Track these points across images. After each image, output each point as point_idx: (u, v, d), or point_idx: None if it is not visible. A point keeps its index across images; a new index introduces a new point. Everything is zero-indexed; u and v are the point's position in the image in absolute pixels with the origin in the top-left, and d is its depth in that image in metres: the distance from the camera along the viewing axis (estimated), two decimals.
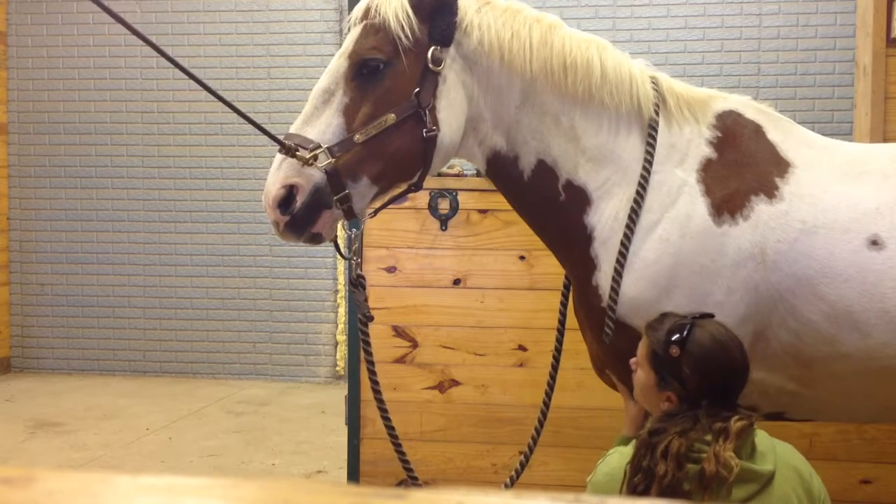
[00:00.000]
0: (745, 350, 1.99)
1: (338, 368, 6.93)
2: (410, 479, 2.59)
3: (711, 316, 2.04)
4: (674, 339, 1.94)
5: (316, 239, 2.22)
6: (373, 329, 3.48)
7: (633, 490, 1.83)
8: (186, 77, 2.16)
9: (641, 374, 2.04)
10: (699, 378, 1.91)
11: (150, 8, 7.04)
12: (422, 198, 3.49)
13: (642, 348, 2.05)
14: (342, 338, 6.80)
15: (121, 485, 0.60)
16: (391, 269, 3.56)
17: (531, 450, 2.74)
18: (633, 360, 2.10)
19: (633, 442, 1.98)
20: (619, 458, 1.98)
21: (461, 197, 3.50)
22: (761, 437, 1.91)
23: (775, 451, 1.90)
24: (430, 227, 3.53)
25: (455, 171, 3.56)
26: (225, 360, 7.04)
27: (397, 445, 2.55)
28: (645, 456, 1.86)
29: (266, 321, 7.01)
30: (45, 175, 7.22)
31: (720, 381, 1.93)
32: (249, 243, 6.96)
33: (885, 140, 3.93)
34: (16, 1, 7.21)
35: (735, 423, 1.84)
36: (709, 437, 1.84)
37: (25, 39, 7.21)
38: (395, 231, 3.53)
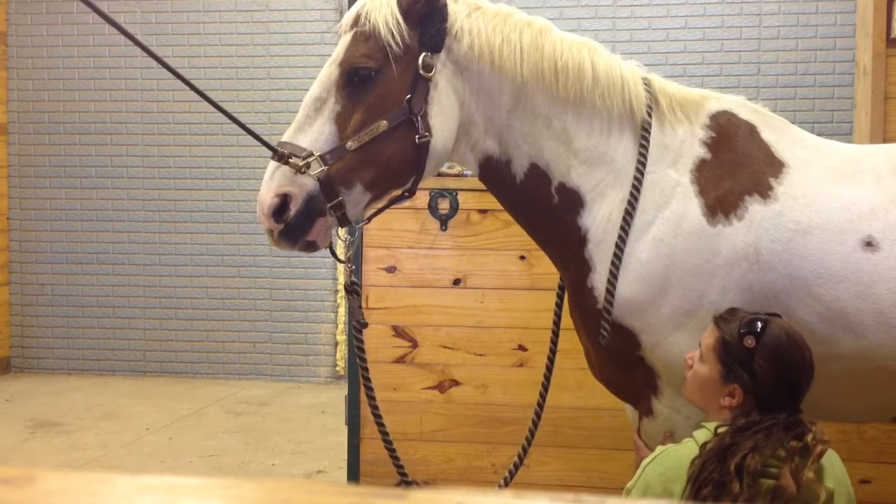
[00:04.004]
0: (810, 350, 1.98)
1: (338, 368, 6.93)
2: (405, 484, 2.58)
3: (779, 316, 2.03)
4: (749, 330, 1.94)
5: (310, 247, 2.23)
6: (373, 329, 3.49)
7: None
8: (188, 77, 2.16)
9: (703, 368, 2.00)
10: (772, 371, 1.90)
11: (150, 8, 7.05)
12: (422, 198, 3.49)
13: (708, 339, 2.01)
14: (342, 338, 6.81)
15: (121, 485, 0.60)
16: (391, 269, 3.56)
17: (525, 450, 2.74)
18: (689, 354, 2.07)
19: (686, 443, 1.94)
20: (675, 456, 1.93)
21: (461, 197, 3.50)
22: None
23: (832, 464, 1.88)
24: (430, 227, 3.53)
25: (455, 171, 3.56)
26: (225, 360, 7.04)
27: (391, 451, 2.55)
28: (715, 469, 1.82)
29: (266, 321, 7.01)
30: (45, 175, 7.23)
31: (792, 378, 1.91)
32: (249, 243, 6.96)
33: (885, 140, 3.93)
34: (16, 1, 7.21)
35: (816, 445, 1.82)
36: (782, 453, 1.81)
37: (25, 39, 7.21)
38: (395, 231, 3.53)
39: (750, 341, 1.92)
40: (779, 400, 1.91)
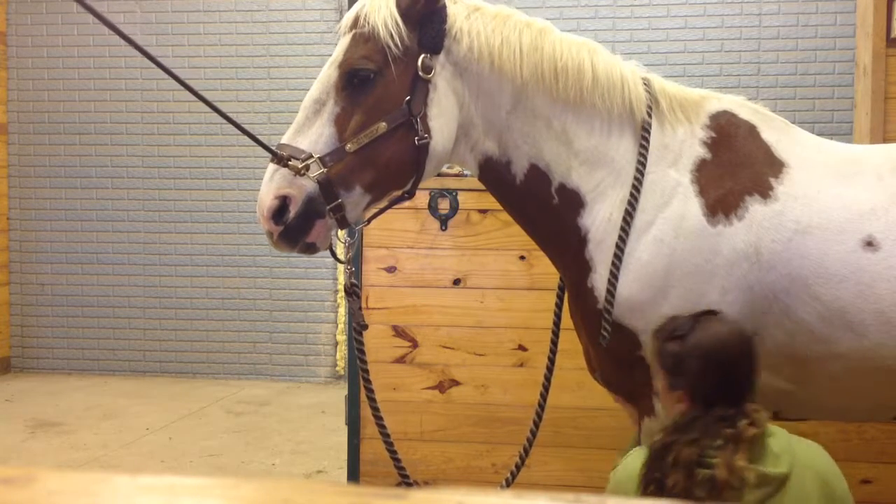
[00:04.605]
0: (752, 344, 2.00)
1: (338, 368, 6.93)
2: (405, 485, 2.58)
3: (714, 313, 2.06)
4: (676, 333, 2.00)
5: (310, 249, 2.22)
6: (373, 329, 3.49)
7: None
8: (188, 77, 2.17)
9: (656, 382, 2.07)
10: (704, 370, 1.94)
11: (150, 8, 7.04)
12: (422, 198, 3.49)
13: (651, 354, 2.07)
14: (342, 338, 6.80)
15: (121, 485, 0.60)
16: (391, 269, 3.56)
17: (526, 451, 2.74)
18: None
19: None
20: (636, 459, 1.99)
21: (461, 197, 3.50)
22: (778, 438, 1.90)
23: (793, 451, 1.89)
24: (430, 227, 3.53)
25: (455, 171, 3.56)
26: (225, 360, 7.04)
27: (392, 452, 2.55)
28: (657, 468, 1.87)
29: (266, 321, 7.01)
30: (45, 175, 7.22)
31: (726, 372, 1.94)
32: (249, 243, 6.96)
33: (885, 140, 3.93)
34: (16, 1, 7.21)
35: (747, 430, 1.85)
36: (719, 443, 1.85)
37: (25, 39, 7.21)
38: (395, 231, 3.53)
39: (677, 345, 1.98)
40: (720, 396, 1.93)
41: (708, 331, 1.98)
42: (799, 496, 1.84)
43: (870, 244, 2.14)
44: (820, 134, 2.57)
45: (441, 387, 3.56)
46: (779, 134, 2.33)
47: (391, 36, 2.15)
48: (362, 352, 2.48)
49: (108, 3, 6.90)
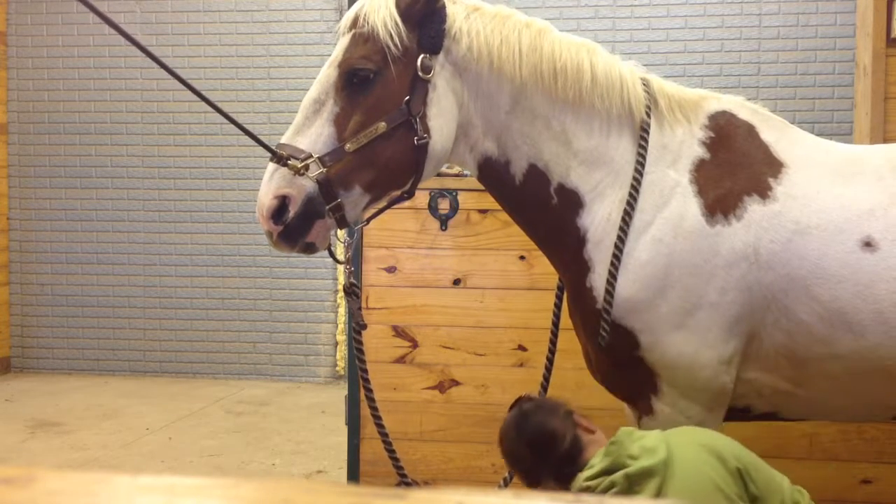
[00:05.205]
0: (534, 414, 2.22)
1: (338, 368, 6.93)
2: (405, 485, 2.59)
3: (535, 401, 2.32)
4: (501, 439, 2.28)
5: (310, 248, 2.23)
6: (373, 329, 3.49)
7: None
8: (188, 77, 2.17)
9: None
10: (506, 457, 2.21)
11: (150, 8, 7.05)
12: (422, 198, 3.49)
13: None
14: (342, 338, 6.80)
15: (121, 485, 0.60)
16: (391, 269, 3.56)
17: None
18: None
19: None
20: None
21: (461, 197, 3.50)
22: (650, 436, 2.04)
23: (667, 439, 2.01)
24: (430, 227, 3.53)
25: (455, 171, 3.56)
26: (225, 360, 7.04)
27: (391, 452, 2.55)
28: None
29: (266, 321, 7.01)
30: (45, 175, 7.23)
31: (527, 451, 2.17)
32: (249, 243, 6.96)
33: (885, 140, 3.93)
34: (16, 1, 7.21)
35: (587, 450, 2.12)
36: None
37: (25, 39, 7.21)
38: (395, 231, 3.53)
39: (503, 448, 2.27)
40: (546, 467, 2.14)
41: (505, 428, 2.21)
42: (692, 467, 1.93)
43: (868, 244, 2.14)
44: (820, 134, 2.57)
45: (441, 387, 3.56)
46: (778, 134, 2.33)
47: (391, 36, 2.15)
48: (361, 352, 2.48)
49: (108, 3, 6.91)
